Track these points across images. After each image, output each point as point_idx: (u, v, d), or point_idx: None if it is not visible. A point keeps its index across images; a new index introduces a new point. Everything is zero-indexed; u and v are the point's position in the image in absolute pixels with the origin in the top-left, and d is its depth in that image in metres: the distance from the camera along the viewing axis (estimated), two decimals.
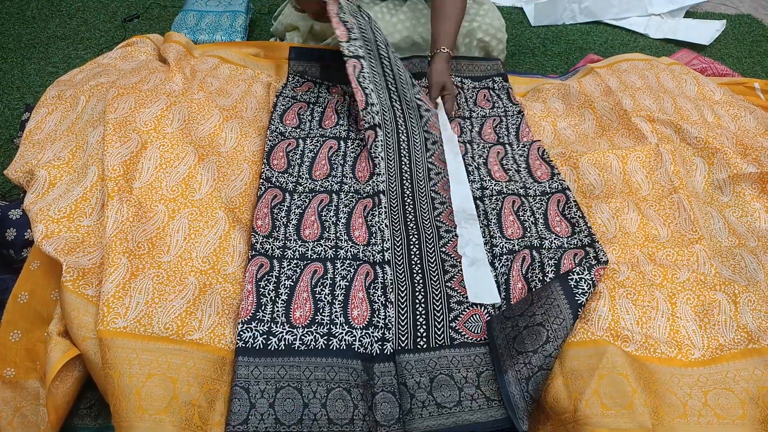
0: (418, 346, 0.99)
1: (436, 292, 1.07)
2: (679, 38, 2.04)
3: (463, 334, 1.02)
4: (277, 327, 0.97)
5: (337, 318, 1.00)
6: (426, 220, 1.18)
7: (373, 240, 1.12)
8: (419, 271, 1.10)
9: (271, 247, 1.09)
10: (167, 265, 0.99)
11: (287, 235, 1.12)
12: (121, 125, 1.12)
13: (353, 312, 1.01)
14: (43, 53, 1.84)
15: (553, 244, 1.13)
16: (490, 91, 1.56)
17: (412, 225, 1.17)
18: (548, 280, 1.04)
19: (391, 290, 1.04)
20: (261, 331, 0.96)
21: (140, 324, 0.91)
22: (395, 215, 1.17)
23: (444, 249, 1.14)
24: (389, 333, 0.99)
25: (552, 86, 1.58)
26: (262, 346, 0.94)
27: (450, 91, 1.45)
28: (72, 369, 0.92)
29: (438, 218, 1.19)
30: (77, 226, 1.01)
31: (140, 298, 0.93)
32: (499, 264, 1.12)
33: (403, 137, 1.29)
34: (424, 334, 1.01)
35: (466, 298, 1.07)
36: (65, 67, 1.79)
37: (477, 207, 1.23)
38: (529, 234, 1.16)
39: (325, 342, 0.96)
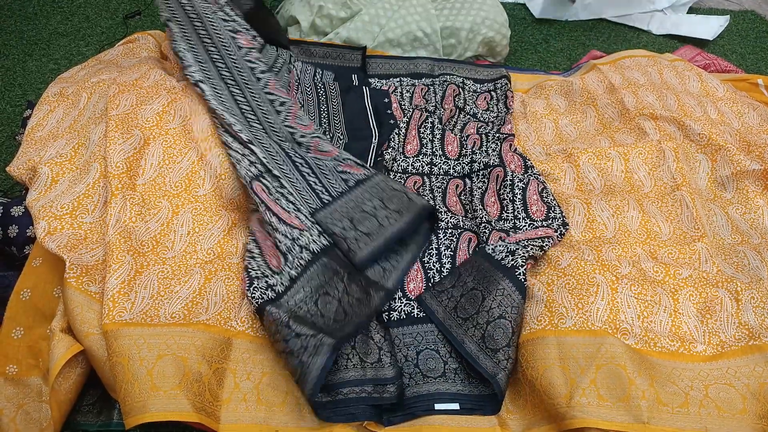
0: (325, 201, 1.14)
1: (310, 161, 1.21)
2: (682, 34, 2.03)
3: (349, 172, 1.19)
4: (270, 279, 1.02)
5: (296, 237, 1.07)
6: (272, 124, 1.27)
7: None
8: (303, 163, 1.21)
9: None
10: (172, 260, 1.00)
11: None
12: (123, 122, 1.12)
13: (293, 222, 1.09)
14: (44, 50, 1.84)
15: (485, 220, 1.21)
16: (490, 93, 1.57)
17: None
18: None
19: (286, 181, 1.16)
20: (264, 287, 1.00)
21: (147, 315, 0.92)
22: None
23: (285, 121, 1.28)
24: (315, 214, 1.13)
25: (555, 83, 1.58)
26: (274, 296, 0.99)
27: None
28: (75, 366, 0.93)
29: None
30: (80, 223, 1.01)
31: (145, 293, 0.94)
32: (444, 237, 1.19)
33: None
34: (323, 192, 1.16)
35: (330, 159, 1.22)
36: (67, 64, 1.79)
37: (424, 183, 1.31)
38: (470, 214, 1.25)
39: (309, 258, 1.05)
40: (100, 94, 1.21)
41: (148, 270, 0.97)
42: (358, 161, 1.22)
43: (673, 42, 2.03)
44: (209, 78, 1.26)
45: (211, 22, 1.31)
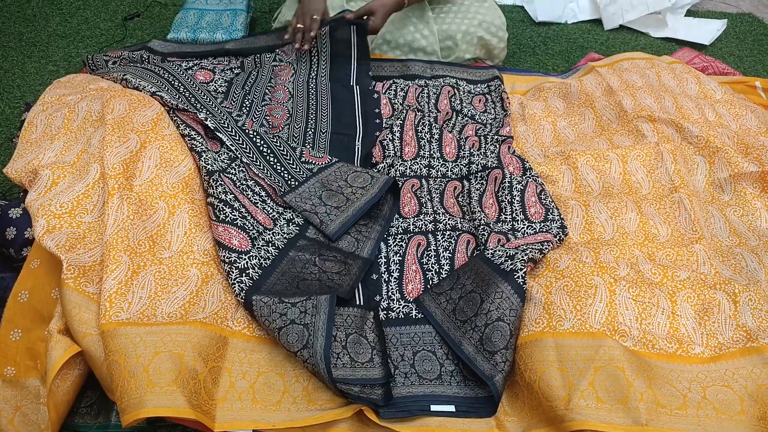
0: (292, 185, 1.22)
1: (281, 148, 1.29)
2: (680, 37, 2.03)
3: (312, 162, 1.27)
4: (239, 261, 1.04)
5: (261, 225, 1.13)
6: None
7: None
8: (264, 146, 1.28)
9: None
10: (168, 261, 1.00)
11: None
12: (120, 125, 1.13)
13: (258, 216, 1.14)
14: (43, 51, 1.84)
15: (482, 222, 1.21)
16: (485, 96, 1.58)
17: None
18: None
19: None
20: (236, 275, 1.02)
21: (144, 315, 0.92)
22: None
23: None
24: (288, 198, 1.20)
25: (553, 85, 1.58)
26: (251, 283, 1.03)
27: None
28: (72, 367, 0.93)
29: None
30: (78, 222, 1.01)
31: (143, 293, 0.95)
32: (442, 239, 1.19)
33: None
34: (290, 178, 1.23)
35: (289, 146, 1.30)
36: (66, 66, 1.79)
37: (422, 186, 1.30)
38: (467, 216, 1.25)
39: (276, 254, 1.10)
40: (93, 97, 1.22)
41: (145, 270, 0.97)
42: (320, 154, 1.31)
43: (671, 44, 2.04)
44: (164, 89, 1.32)
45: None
